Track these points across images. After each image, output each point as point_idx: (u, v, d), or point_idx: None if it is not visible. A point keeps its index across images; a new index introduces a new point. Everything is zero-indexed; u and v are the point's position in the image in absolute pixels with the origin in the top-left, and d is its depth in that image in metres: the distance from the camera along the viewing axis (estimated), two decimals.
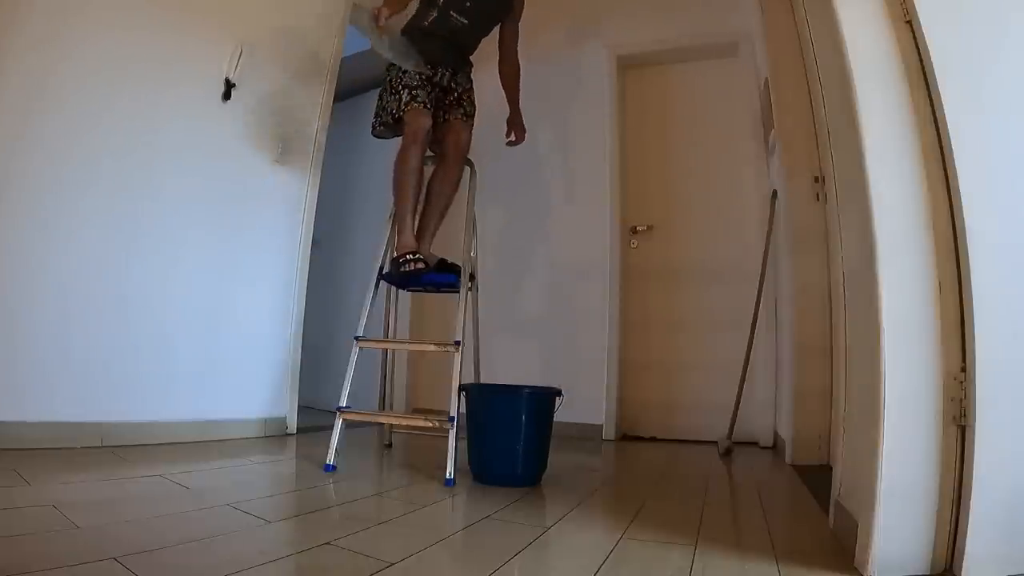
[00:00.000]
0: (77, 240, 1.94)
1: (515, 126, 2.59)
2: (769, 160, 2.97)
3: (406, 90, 2.22)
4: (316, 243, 2.81)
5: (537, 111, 3.49)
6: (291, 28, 2.65)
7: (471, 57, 2.44)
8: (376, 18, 2.07)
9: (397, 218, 2.20)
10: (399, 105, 2.21)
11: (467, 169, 2.35)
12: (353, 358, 2.01)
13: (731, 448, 2.65)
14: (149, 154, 2.12)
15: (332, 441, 1.90)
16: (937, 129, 1.07)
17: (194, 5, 2.25)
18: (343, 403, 1.96)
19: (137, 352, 2.09)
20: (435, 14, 2.28)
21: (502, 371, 2.78)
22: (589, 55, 3.43)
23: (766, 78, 2.79)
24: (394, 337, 2.71)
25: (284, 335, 2.64)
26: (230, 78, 2.34)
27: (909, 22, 1.11)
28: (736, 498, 1.89)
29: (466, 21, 2.30)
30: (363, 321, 2.07)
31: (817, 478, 1.87)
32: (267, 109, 2.53)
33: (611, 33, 3.42)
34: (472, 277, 2.27)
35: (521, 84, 2.59)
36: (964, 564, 0.97)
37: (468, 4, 2.28)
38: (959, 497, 1.00)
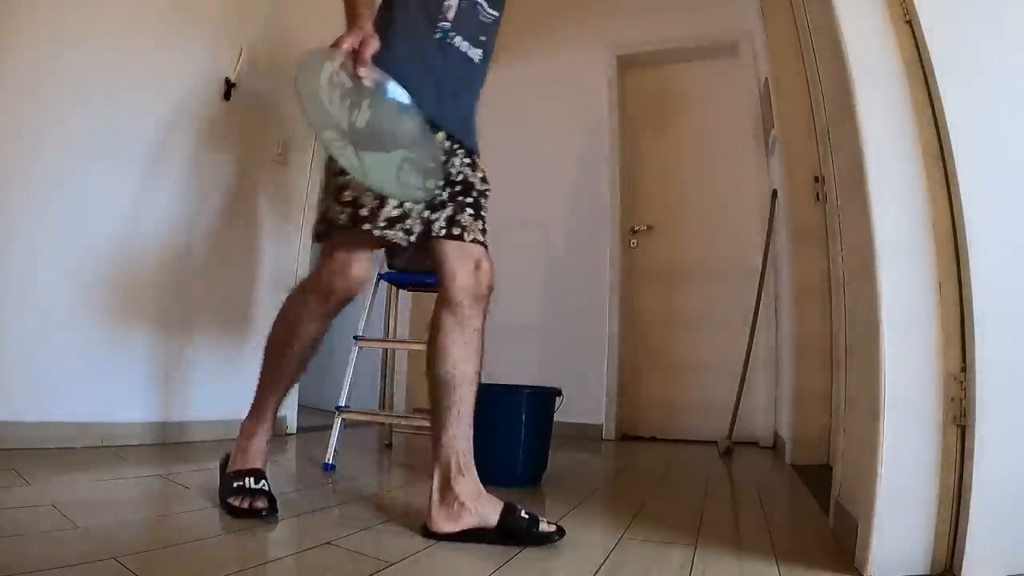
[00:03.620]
0: (78, 240, 1.94)
1: None
2: (769, 160, 2.97)
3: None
4: (316, 242, 2.81)
5: (537, 111, 3.51)
6: (291, 28, 2.65)
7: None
8: (359, 57, 1.09)
9: (254, 401, 1.42)
10: (359, 212, 1.19)
11: None
12: (353, 358, 2.01)
13: (731, 448, 2.65)
14: (150, 154, 2.12)
15: (331, 440, 1.90)
16: (937, 129, 1.07)
17: (195, 6, 2.25)
18: (342, 403, 1.96)
19: (137, 352, 2.09)
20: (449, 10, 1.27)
21: (502, 371, 2.78)
22: (589, 55, 3.44)
23: (766, 78, 2.79)
24: (394, 337, 2.71)
25: None
26: (230, 78, 2.34)
27: (909, 22, 1.11)
28: (736, 498, 1.89)
29: (494, 16, 1.36)
30: (363, 321, 2.07)
31: (817, 478, 1.87)
32: (267, 109, 2.53)
33: (611, 33, 3.42)
34: None
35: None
36: (964, 564, 0.97)
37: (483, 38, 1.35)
38: (959, 497, 1.00)
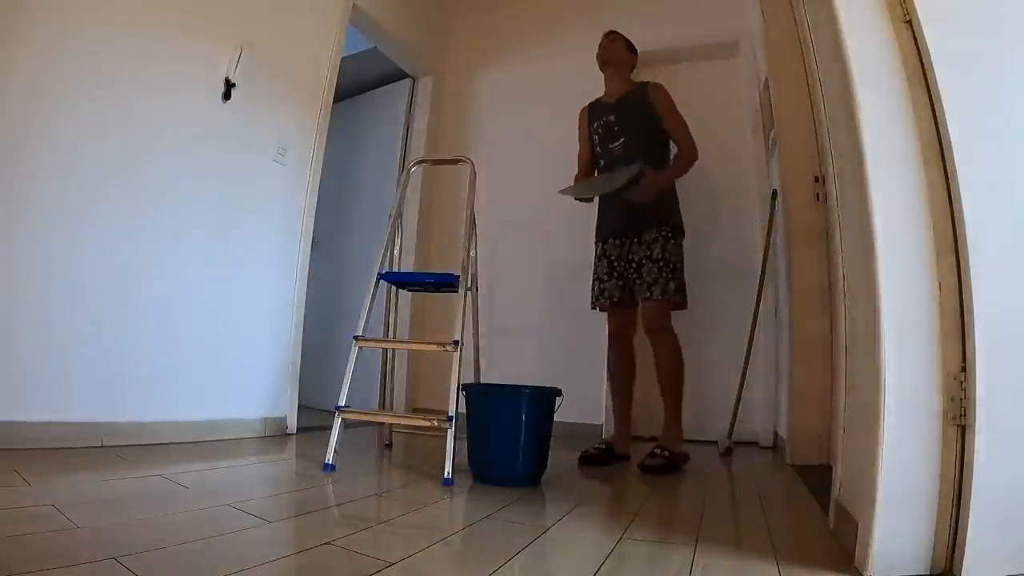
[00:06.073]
0: (79, 240, 1.93)
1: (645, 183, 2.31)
2: (769, 160, 2.97)
3: (596, 283, 2.45)
4: (315, 243, 2.81)
5: (538, 111, 3.51)
6: (291, 28, 2.65)
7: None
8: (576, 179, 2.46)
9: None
10: (592, 300, 2.47)
11: (468, 167, 2.34)
12: (353, 357, 2.01)
13: (731, 448, 2.65)
14: (150, 155, 2.11)
15: (331, 440, 1.90)
16: (937, 129, 1.07)
17: (194, 6, 2.25)
18: (342, 402, 1.96)
19: (137, 352, 2.08)
20: (601, 159, 2.46)
21: (502, 371, 2.78)
22: (590, 55, 3.43)
23: (766, 78, 2.79)
24: (394, 337, 2.71)
25: (284, 335, 2.63)
26: (230, 78, 2.33)
27: (909, 22, 1.11)
28: (736, 498, 1.89)
29: (623, 138, 2.40)
30: (363, 321, 2.07)
31: (817, 478, 1.87)
32: (267, 109, 2.53)
33: None
34: (472, 277, 2.27)
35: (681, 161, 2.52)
36: (964, 564, 0.97)
37: (615, 128, 2.42)
38: (959, 497, 1.00)
